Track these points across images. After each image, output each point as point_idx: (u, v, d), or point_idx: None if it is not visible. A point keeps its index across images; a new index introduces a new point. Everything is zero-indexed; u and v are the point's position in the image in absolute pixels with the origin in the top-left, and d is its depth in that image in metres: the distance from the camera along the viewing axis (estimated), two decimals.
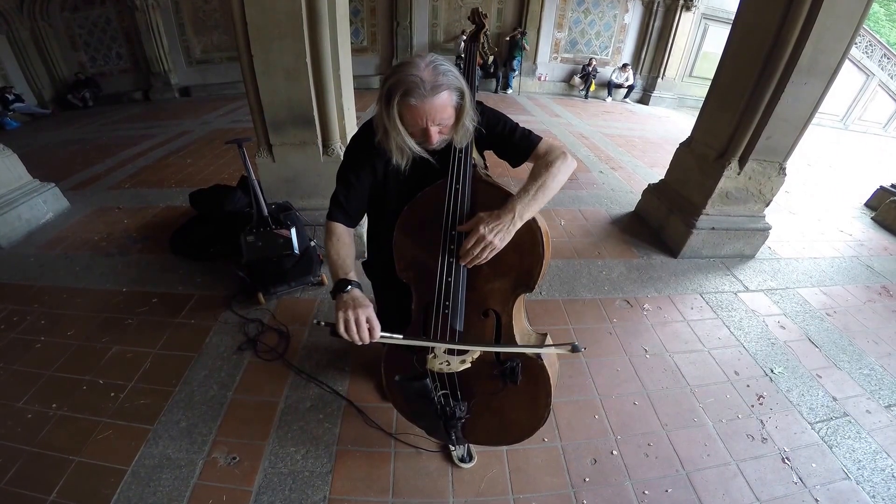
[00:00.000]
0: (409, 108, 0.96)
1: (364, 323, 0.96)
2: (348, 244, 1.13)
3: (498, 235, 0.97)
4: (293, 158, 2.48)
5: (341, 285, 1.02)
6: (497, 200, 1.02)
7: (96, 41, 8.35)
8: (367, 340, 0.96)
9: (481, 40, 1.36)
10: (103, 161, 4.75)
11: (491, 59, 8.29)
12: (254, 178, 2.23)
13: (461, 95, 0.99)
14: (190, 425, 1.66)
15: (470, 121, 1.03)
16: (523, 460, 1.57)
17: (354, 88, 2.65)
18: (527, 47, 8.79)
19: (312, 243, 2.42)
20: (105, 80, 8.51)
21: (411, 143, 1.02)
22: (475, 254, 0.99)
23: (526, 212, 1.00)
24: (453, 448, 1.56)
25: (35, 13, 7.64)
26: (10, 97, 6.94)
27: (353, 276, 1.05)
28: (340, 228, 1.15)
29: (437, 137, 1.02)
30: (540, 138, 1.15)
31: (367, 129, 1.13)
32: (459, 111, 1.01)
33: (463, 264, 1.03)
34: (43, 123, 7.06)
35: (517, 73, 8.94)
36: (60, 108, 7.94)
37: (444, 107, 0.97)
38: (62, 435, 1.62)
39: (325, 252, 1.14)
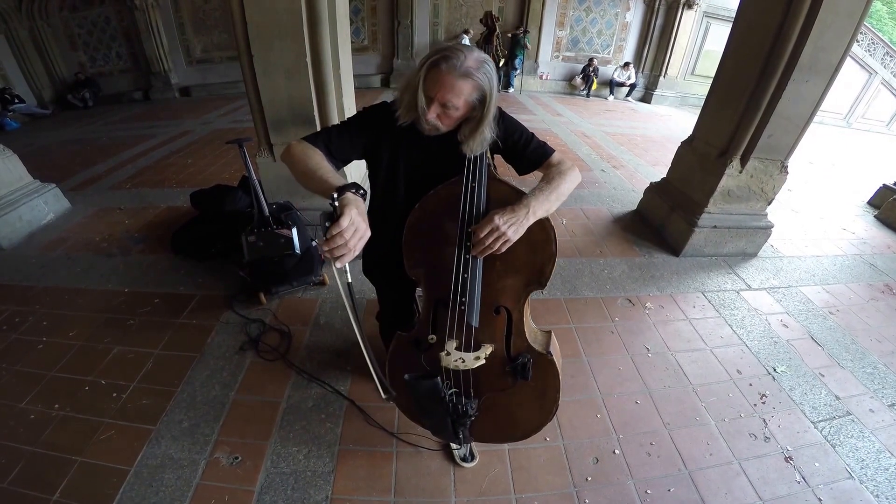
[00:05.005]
0: (435, 72, 0.98)
1: (360, 241, 0.83)
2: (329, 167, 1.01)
3: (512, 228, 0.99)
4: None
5: (350, 187, 0.87)
6: (512, 198, 1.04)
7: (96, 41, 8.34)
8: (347, 256, 0.81)
9: (494, 43, 1.37)
10: (104, 161, 4.75)
11: (502, 62, 8.27)
12: (255, 177, 2.22)
13: (482, 97, 1.01)
14: (192, 425, 1.66)
15: (490, 131, 1.06)
16: (525, 459, 1.57)
17: (355, 87, 2.65)
18: (528, 46, 8.76)
19: (314, 243, 2.42)
20: (105, 79, 8.49)
21: (423, 102, 1.01)
22: (488, 243, 0.99)
23: (539, 209, 1.03)
24: (456, 447, 1.56)
25: (34, 13, 7.63)
26: (10, 97, 6.94)
27: None
28: (320, 152, 1.04)
29: (432, 116, 1.03)
30: (553, 150, 1.21)
31: (391, 106, 1.12)
32: (473, 111, 1.03)
33: (474, 254, 1.03)
34: (43, 124, 7.05)
35: (519, 71, 8.91)
36: (60, 109, 7.92)
37: (459, 92, 0.98)
38: (65, 435, 1.62)
39: (299, 170, 0.98)
